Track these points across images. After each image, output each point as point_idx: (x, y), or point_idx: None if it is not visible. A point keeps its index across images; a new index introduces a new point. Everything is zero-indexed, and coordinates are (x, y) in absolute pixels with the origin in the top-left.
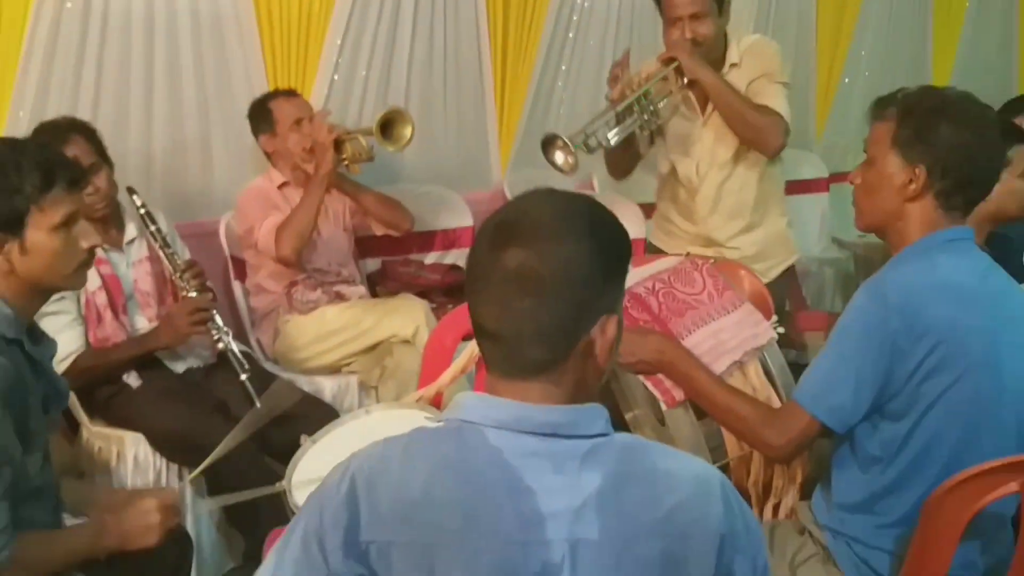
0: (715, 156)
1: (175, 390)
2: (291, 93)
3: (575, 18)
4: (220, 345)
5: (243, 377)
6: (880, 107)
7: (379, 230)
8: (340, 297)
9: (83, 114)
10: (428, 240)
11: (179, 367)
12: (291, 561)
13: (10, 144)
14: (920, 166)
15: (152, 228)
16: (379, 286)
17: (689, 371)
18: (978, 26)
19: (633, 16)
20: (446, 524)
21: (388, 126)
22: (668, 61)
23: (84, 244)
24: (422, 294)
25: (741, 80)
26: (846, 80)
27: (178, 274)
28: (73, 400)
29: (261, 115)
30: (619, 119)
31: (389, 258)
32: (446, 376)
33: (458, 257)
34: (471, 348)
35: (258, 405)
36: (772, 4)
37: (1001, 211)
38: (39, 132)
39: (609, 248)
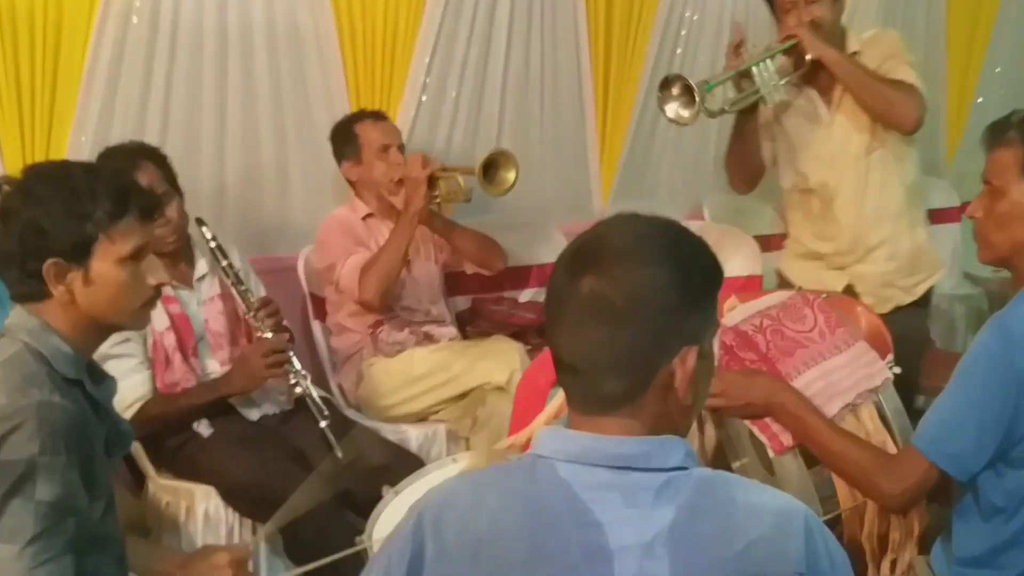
0: (848, 152)
1: (249, 439)
2: (378, 115)
3: (683, 32)
4: (298, 390)
5: (322, 425)
6: (998, 132)
7: (470, 269)
8: (429, 338)
9: (150, 139)
10: (522, 276)
11: (253, 414)
12: None
13: (85, 168)
14: None
15: (224, 263)
16: (469, 326)
17: (799, 414)
18: None
19: (748, 27)
20: (512, 557)
21: (490, 167)
22: (787, 40)
23: (151, 281)
24: (516, 335)
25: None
26: (979, 100)
27: (252, 313)
28: (139, 451)
29: (345, 139)
30: (738, 87)
31: (480, 296)
32: (539, 421)
33: None
34: None
35: (338, 454)
36: (898, 17)
37: None
38: (104, 158)
39: (691, 274)
